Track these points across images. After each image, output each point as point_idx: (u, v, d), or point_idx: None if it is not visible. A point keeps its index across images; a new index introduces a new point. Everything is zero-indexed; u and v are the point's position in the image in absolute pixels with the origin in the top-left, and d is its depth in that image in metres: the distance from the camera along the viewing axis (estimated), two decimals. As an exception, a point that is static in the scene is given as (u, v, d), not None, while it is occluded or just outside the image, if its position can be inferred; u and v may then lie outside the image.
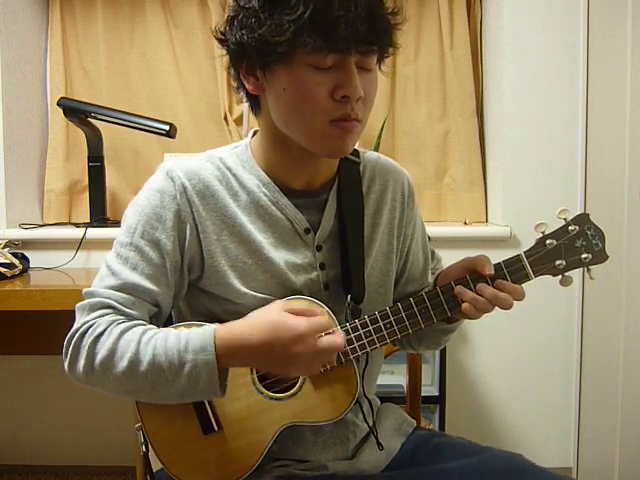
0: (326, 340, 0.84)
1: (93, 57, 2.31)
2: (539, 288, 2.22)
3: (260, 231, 0.94)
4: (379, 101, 2.26)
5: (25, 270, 1.91)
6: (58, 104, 2.05)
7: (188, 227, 0.91)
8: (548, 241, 0.92)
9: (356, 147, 1.02)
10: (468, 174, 2.26)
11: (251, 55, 0.85)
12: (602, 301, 1.95)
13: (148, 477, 0.99)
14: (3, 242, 1.97)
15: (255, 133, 1.00)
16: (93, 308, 0.89)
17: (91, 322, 0.87)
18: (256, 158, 0.96)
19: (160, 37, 2.29)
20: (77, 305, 0.91)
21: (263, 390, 0.92)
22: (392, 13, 0.86)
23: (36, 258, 2.00)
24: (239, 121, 2.30)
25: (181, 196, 0.91)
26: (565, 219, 0.92)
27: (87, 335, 0.87)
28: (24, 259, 1.93)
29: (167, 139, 2.08)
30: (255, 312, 0.89)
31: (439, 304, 0.93)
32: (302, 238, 0.96)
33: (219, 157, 0.97)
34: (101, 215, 2.15)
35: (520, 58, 2.05)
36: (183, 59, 2.30)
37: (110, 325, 0.87)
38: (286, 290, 0.94)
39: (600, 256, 0.93)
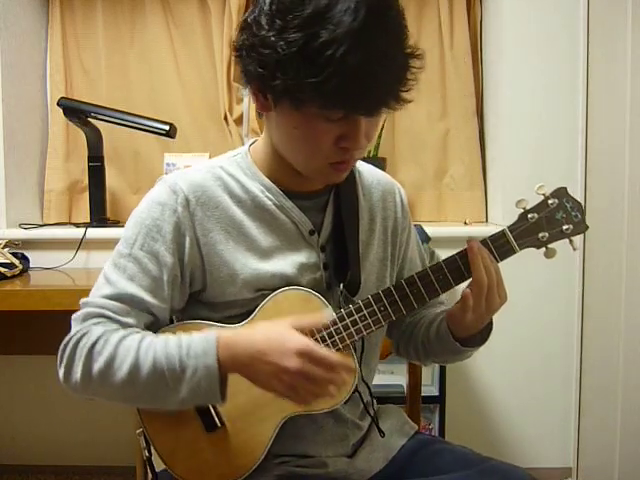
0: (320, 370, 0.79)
1: (93, 57, 2.31)
2: (539, 288, 2.21)
3: (267, 235, 0.94)
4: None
5: (25, 270, 1.91)
6: (58, 104, 2.05)
7: (187, 240, 0.91)
8: (530, 215, 0.94)
9: None
10: (468, 174, 2.26)
11: (266, 87, 0.83)
12: (602, 301, 1.95)
13: (151, 478, 0.99)
14: (3, 242, 1.97)
15: (254, 142, 1.01)
16: (87, 317, 0.88)
17: (84, 330, 0.86)
18: (257, 164, 0.97)
19: (160, 37, 2.29)
20: (73, 316, 0.90)
21: None
22: (414, 55, 0.82)
23: (36, 258, 2.00)
24: (239, 121, 2.30)
25: (183, 209, 0.91)
26: (544, 194, 0.94)
27: (81, 344, 0.85)
28: (24, 259, 1.93)
29: (167, 139, 2.08)
30: (262, 323, 0.87)
31: (430, 283, 0.94)
32: (306, 240, 0.97)
33: (220, 166, 0.97)
34: (101, 215, 2.15)
35: (520, 58, 2.05)
36: (183, 59, 2.31)
37: (105, 333, 0.85)
38: None
39: (580, 226, 0.95)
